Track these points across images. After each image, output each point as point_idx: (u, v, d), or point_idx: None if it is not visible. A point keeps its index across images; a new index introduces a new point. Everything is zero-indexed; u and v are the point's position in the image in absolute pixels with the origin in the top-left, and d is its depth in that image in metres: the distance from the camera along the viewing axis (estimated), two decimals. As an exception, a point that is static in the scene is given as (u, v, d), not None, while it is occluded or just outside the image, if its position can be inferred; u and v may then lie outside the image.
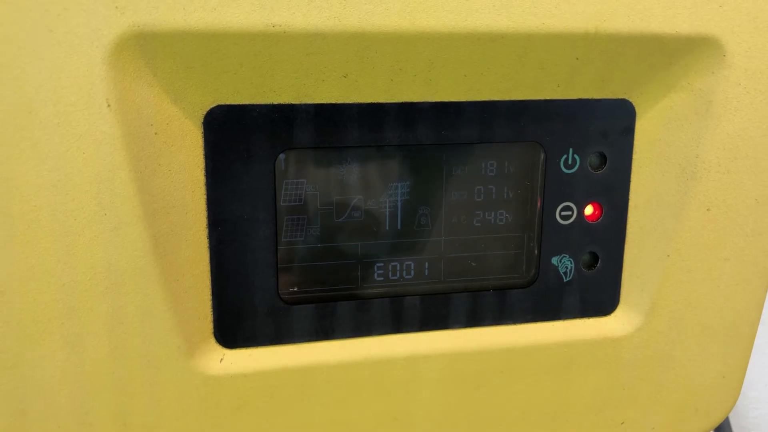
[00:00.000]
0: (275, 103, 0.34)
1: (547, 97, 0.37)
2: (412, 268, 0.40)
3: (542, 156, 0.39)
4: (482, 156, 0.39)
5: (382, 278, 0.39)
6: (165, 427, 0.36)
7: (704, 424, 0.45)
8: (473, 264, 0.40)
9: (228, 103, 0.34)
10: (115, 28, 0.30)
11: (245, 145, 0.35)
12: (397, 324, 0.39)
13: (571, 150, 0.39)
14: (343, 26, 0.32)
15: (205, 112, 0.34)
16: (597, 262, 0.41)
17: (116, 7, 0.30)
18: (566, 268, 0.40)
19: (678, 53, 0.37)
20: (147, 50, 0.31)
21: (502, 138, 0.38)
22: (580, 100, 0.38)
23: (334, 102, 0.35)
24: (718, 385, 0.44)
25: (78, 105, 0.31)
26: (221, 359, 0.37)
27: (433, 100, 0.36)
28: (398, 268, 0.39)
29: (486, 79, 0.36)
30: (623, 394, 0.42)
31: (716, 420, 0.45)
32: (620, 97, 0.38)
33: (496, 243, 0.40)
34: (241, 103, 0.34)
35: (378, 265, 0.39)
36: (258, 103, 0.34)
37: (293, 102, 0.35)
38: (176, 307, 0.35)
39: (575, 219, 0.40)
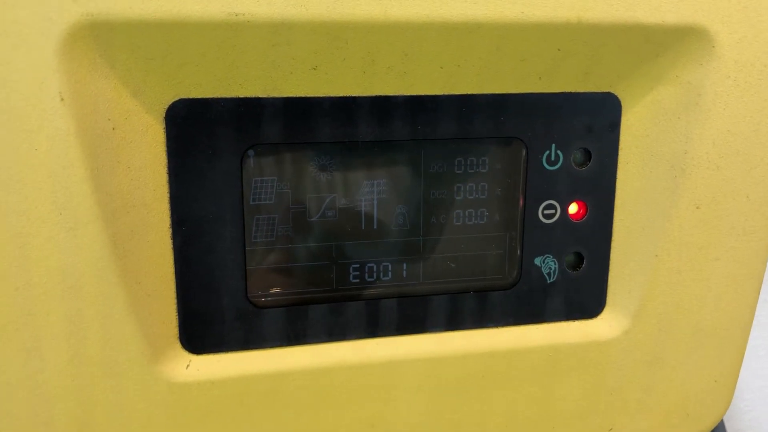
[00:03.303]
0: (241, 96, 0.33)
1: (528, 91, 0.36)
2: (390, 269, 0.38)
3: (524, 152, 0.37)
4: (461, 152, 0.37)
5: (357, 280, 0.38)
6: (129, 437, 0.35)
7: (696, 430, 0.43)
8: (453, 265, 0.39)
9: (191, 96, 0.32)
10: (67, 17, 0.29)
11: (210, 140, 0.33)
12: (374, 328, 0.38)
13: (553, 146, 0.37)
14: (310, 15, 0.31)
15: (166, 107, 0.32)
16: (582, 263, 0.39)
17: (68, -5, 0.28)
18: (550, 268, 0.39)
19: (665, 44, 0.35)
20: (102, 40, 0.30)
21: (482, 133, 0.36)
22: (562, 94, 0.36)
23: (303, 95, 0.34)
24: (710, 389, 0.42)
25: (29, 99, 0.29)
26: (187, 365, 0.35)
27: (409, 94, 0.35)
28: (375, 269, 0.38)
29: (463, 71, 0.34)
30: (611, 399, 0.41)
31: (709, 425, 0.44)
32: (605, 90, 0.37)
33: (476, 243, 0.39)
34: (204, 97, 0.32)
35: (353, 266, 0.38)
36: (223, 96, 0.33)
37: (260, 95, 0.33)
38: (139, 311, 0.33)
39: (559, 218, 0.38)
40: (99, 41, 0.30)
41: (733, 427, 0.75)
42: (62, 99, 0.29)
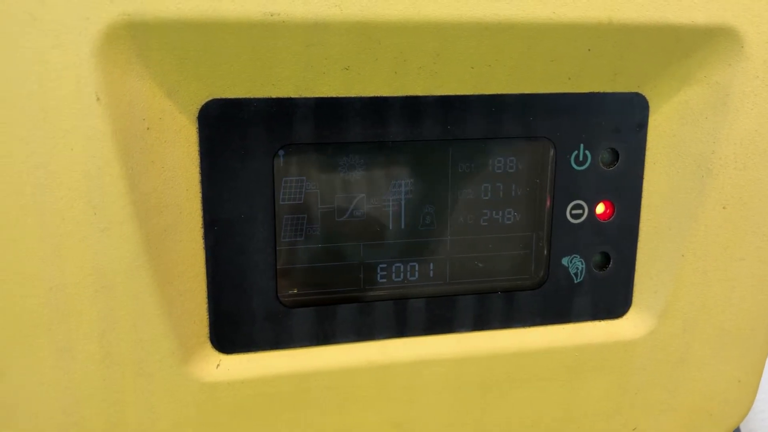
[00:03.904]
0: (274, 96, 0.33)
1: (558, 91, 0.36)
2: (417, 269, 0.38)
3: (552, 152, 0.37)
4: (489, 152, 0.37)
5: (385, 280, 0.38)
6: (159, 437, 0.35)
7: (719, 430, 0.43)
8: (480, 265, 0.39)
9: (224, 96, 0.32)
10: (104, 17, 0.29)
11: (242, 140, 0.33)
12: (401, 327, 0.38)
13: (582, 146, 0.37)
14: (345, 15, 0.31)
15: (200, 106, 0.32)
16: (609, 263, 0.39)
17: (105, -5, 0.29)
18: (577, 268, 0.39)
19: (694, 44, 0.35)
20: (138, 40, 0.30)
21: (511, 133, 0.36)
22: (591, 94, 0.36)
23: (335, 95, 0.34)
24: (733, 389, 0.42)
25: (65, 98, 0.29)
26: (218, 365, 0.35)
27: (439, 94, 0.35)
28: (402, 269, 0.38)
29: (494, 71, 0.34)
30: (635, 399, 0.41)
31: (731, 425, 0.44)
32: (633, 90, 0.37)
33: (503, 243, 0.39)
34: (238, 97, 0.32)
35: (381, 266, 0.38)
36: (256, 96, 0.33)
37: (292, 95, 0.33)
38: (170, 310, 0.33)
39: (586, 218, 0.38)
40: (135, 41, 0.30)
41: (746, 427, 0.75)
42: (98, 99, 0.29)
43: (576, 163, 0.37)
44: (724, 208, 0.38)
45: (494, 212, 0.38)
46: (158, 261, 0.32)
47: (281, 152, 0.34)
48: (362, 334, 0.37)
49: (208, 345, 0.35)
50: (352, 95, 0.34)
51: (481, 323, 0.39)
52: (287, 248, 0.36)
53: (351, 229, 0.37)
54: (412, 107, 0.35)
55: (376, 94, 0.34)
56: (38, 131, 0.29)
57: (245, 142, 0.33)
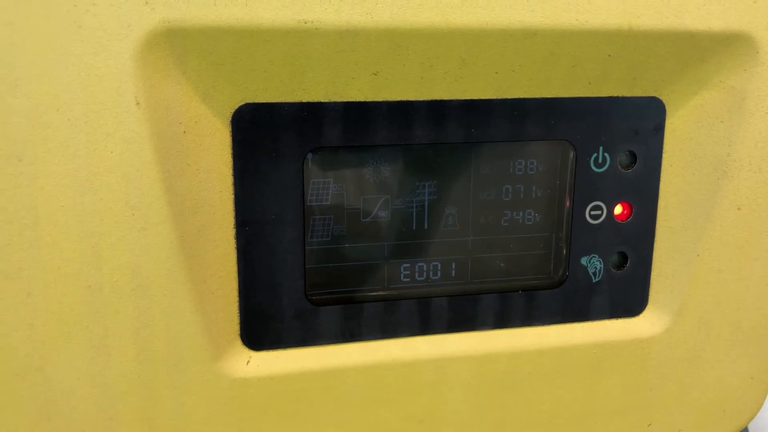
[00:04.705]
0: (304, 101, 0.34)
1: (578, 95, 0.37)
2: (439, 268, 0.39)
3: (572, 154, 0.38)
4: (511, 154, 0.38)
5: (408, 279, 0.39)
6: (191, 431, 0.36)
7: (731, 426, 0.44)
8: (501, 264, 0.40)
9: (257, 101, 0.33)
10: (144, 24, 0.30)
11: (273, 143, 0.34)
12: (425, 325, 0.39)
13: (601, 148, 0.38)
14: (375, 22, 0.32)
15: (233, 111, 0.33)
16: (626, 263, 0.40)
17: (146, 3, 0.29)
18: (595, 268, 0.40)
19: (711, 50, 0.36)
20: (177, 47, 0.31)
21: (532, 136, 0.37)
22: (610, 98, 0.37)
23: (363, 100, 0.34)
24: (746, 386, 0.43)
25: (107, 103, 0.30)
26: (248, 361, 0.36)
27: (464, 98, 0.36)
28: (425, 268, 0.39)
29: (517, 76, 0.35)
30: (651, 396, 0.42)
31: (743, 421, 0.45)
32: (651, 94, 0.38)
33: (524, 243, 0.40)
34: (270, 101, 0.33)
35: (405, 265, 0.39)
36: (287, 101, 0.34)
37: (323, 100, 0.34)
38: (203, 308, 0.34)
39: (605, 218, 0.39)
40: (174, 48, 0.31)
41: (755, 425, 0.76)
42: (138, 103, 0.30)
43: (595, 165, 0.38)
44: (738, 209, 0.39)
45: (515, 213, 0.39)
46: (192, 260, 0.33)
47: (310, 155, 0.35)
48: (387, 331, 0.38)
49: (239, 342, 0.36)
50: (380, 99, 0.35)
51: (502, 321, 0.39)
52: (315, 248, 0.37)
53: (376, 229, 0.38)
54: (438, 111, 0.36)
55: (403, 99, 0.35)
56: (80, 134, 0.30)
57: (276, 145, 0.34)
